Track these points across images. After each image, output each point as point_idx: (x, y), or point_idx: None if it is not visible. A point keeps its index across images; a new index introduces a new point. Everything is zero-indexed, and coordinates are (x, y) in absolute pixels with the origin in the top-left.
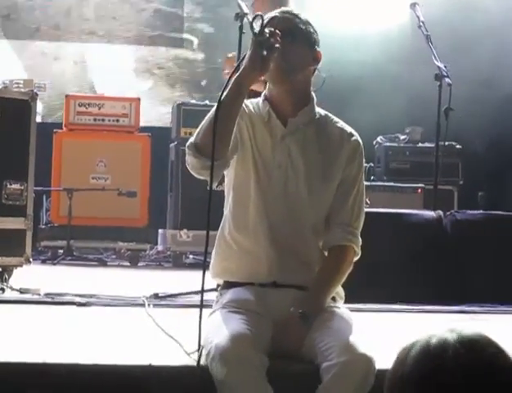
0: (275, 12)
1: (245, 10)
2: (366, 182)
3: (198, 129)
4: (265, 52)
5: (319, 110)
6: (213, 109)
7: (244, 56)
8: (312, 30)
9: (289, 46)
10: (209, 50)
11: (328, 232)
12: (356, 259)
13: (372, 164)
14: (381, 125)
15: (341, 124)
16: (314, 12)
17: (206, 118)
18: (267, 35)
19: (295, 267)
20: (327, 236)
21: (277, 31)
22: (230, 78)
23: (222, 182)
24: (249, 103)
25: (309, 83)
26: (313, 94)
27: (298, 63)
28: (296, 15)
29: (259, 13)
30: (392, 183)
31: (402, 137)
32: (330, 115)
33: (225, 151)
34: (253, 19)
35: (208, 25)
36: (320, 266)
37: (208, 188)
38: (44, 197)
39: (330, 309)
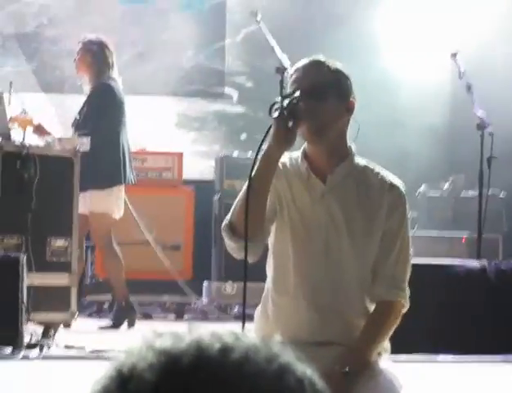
0: (301, 64)
1: (286, 64)
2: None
3: (232, 209)
4: (290, 124)
5: (359, 161)
6: (244, 188)
7: (269, 129)
8: (343, 79)
9: (318, 104)
10: (249, 104)
11: (373, 286)
12: (404, 311)
13: (416, 214)
14: (424, 173)
15: (382, 173)
16: (351, 57)
17: (238, 197)
18: (291, 105)
19: (338, 326)
20: (373, 290)
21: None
22: (257, 154)
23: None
24: (288, 159)
25: (345, 136)
26: (352, 145)
27: (329, 120)
28: (324, 65)
29: (278, 100)
30: (436, 232)
31: (445, 185)
32: (370, 165)
33: (260, 228)
34: (273, 105)
35: (247, 79)
36: (366, 321)
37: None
38: (89, 251)
39: (376, 367)
